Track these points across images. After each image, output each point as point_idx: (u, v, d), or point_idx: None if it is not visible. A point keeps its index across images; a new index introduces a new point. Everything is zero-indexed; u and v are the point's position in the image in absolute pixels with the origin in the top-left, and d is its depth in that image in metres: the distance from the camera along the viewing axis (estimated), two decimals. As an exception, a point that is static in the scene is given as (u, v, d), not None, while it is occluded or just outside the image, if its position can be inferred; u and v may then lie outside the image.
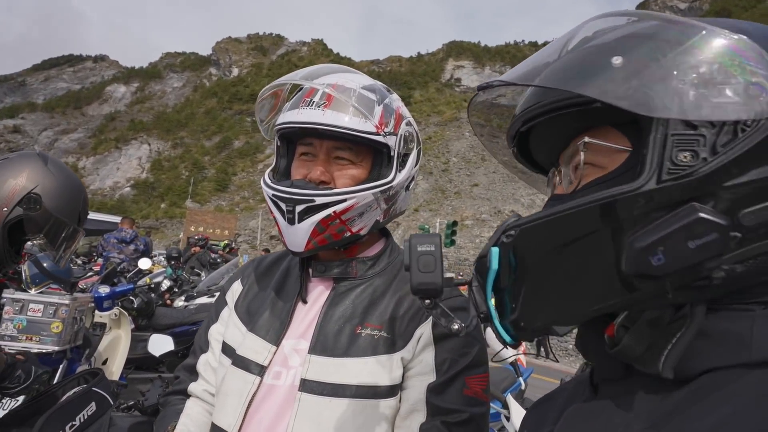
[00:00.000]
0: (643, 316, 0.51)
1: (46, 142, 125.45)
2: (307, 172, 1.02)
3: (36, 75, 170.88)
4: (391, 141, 1.03)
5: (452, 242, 18.62)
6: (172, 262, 9.28)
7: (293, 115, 1.00)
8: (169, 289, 6.25)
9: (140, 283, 5.40)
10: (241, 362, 1.02)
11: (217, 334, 1.15)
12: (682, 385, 0.49)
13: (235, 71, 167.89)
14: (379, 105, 1.02)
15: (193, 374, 1.16)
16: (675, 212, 0.47)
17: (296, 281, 1.10)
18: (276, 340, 1.02)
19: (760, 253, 0.46)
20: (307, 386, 0.95)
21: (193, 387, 1.14)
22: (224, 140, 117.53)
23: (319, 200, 0.96)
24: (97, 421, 1.64)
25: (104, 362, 3.75)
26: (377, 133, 0.99)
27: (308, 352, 0.99)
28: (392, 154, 1.03)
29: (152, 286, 5.66)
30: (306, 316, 1.05)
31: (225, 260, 10.57)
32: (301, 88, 1.07)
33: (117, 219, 17.11)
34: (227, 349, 1.07)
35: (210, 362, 1.13)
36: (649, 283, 0.48)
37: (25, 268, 3.13)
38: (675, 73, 0.48)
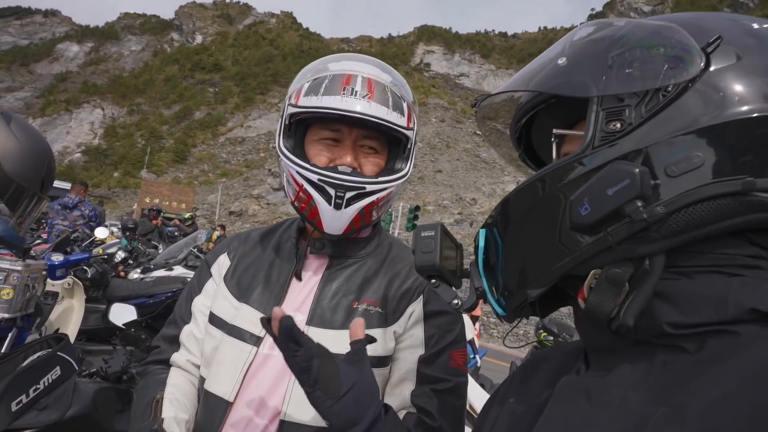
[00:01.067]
0: (603, 274, 0.54)
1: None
2: (333, 157, 1.06)
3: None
4: (413, 134, 1.12)
5: (413, 226, 18.89)
6: (127, 233, 8.99)
7: (334, 101, 1.03)
8: (124, 260, 6.08)
9: (93, 252, 5.22)
10: (237, 332, 1.05)
11: (201, 306, 1.16)
12: (673, 351, 0.51)
13: (199, 38, 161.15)
14: (404, 101, 1.10)
15: (174, 344, 1.16)
16: (604, 168, 0.53)
17: (290, 257, 1.13)
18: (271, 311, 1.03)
19: (691, 201, 0.50)
20: None
21: (176, 357, 1.14)
22: (184, 110, 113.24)
23: (369, 188, 1.03)
24: (62, 385, 1.61)
25: (55, 332, 3.64)
26: (409, 128, 1.08)
27: (306, 324, 1.03)
28: (410, 146, 1.12)
29: (105, 257, 5.49)
30: (301, 291, 1.09)
31: (184, 234, 10.32)
32: (320, 75, 1.10)
33: (67, 185, 16.29)
34: (217, 321, 1.09)
35: (194, 333, 1.14)
36: (590, 236, 0.53)
37: (-27, 232, 2.98)
38: (604, 59, 0.57)
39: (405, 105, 1.09)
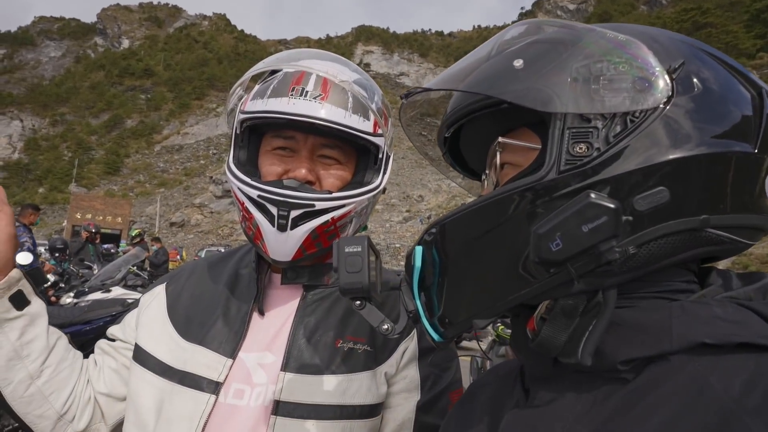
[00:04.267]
0: (556, 306, 0.53)
1: None
2: (287, 169, 0.91)
3: None
4: (381, 141, 0.95)
5: (365, 227, 18.79)
6: (57, 254, 8.29)
7: (280, 104, 0.87)
8: (54, 284, 5.58)
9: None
10: (190, 380, 0.88)
11: (117, 338, 1.03)
12: (613, 382, 0.51)
13: (126, 42, 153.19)
14: (372, 102, 0.94)
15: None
16: (572, 200, 0.50)
17: (249, 286, 0.97)
18: (231, 352, 0.89)
19: (655, 237, 0.50)
20: (283, 409, 0.85)
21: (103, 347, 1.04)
22: (114, 118, 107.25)
23: (319, 205, 0.86)
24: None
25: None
26: (375, 133, 0.92)
27: (281, 369, 0.88)
28: (380, 155, 0.96)
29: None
30: (269, 328, 0.94)
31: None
32: (271, 74, 0.96)
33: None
34: (159, 367, 0.91)
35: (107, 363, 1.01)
36: (553, 269, 0.50)
37: None
38: (567, 70, 0.53)
39: (371, 107, 0.93)
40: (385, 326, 0.64)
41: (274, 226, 0.86)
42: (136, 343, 0.97)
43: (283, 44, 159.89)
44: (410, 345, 0.95)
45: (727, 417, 0.42)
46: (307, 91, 0.88)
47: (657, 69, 0.52)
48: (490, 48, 0.61)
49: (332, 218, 0.88)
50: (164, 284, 1.04)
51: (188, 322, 0.95)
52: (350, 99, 0.90)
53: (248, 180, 0.88)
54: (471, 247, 0.55)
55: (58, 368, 0.92)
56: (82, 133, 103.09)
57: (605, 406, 0.50)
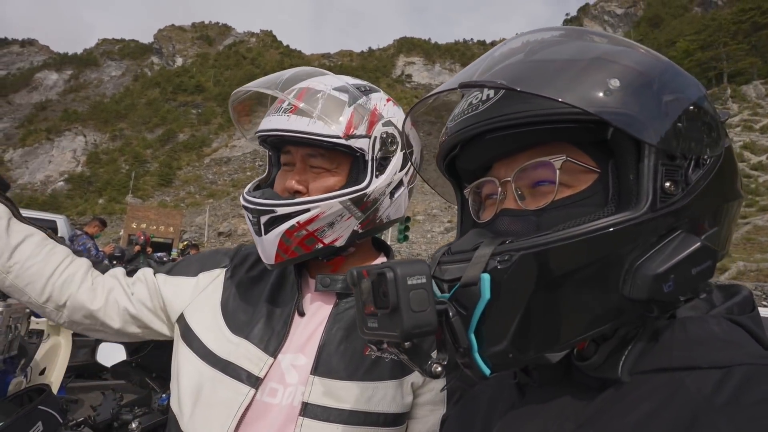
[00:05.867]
0: (617, 333, 0.54)
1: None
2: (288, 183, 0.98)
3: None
4: (364, 144, 0.95)
5: (405, 238, 18.78)
6: (114, 262, 8.78)
7: (264, 123, 0.97)
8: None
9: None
10: (233, 370, 0.93)
11: (156, 285, 1.05)
12: (603, 391, 0.54)
13: (179, 61, 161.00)
14: (350, 106, 0.95)
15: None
16: (677, 240, 0.51)
17: (292, 288, 1.02)
18: (274, 351, 0.94)
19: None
20: (310, 411, 0.89)
21: (116, 272, 1.08)
22: (168, 133, 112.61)
23: (280, 210, 0.91)
24: (46, 441, 1.47)
25: (42, 372, 3.49)
26: (339, 137, 0.92)
27: (311, 373, 0.91)
28: (367, 158, 0.96)
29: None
30: (305, 329, 0.97)
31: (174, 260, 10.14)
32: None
33: (50, 217, 15.96)
34: (208, 356, 0.96)
35: (117, 296, 1.04)
36: (642, 305, 0.51)
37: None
38: (661, 104, 0.53)
39: (347, 110, 0.94)
40: (438, 368, 0.54)
41: (254, 231, 0.95)
42: (185, 322, 1.01)
43: (326, 58, 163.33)
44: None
45: (697, 413, 0.45)
46: (282, 107, 0.95)
47: (718, 115, 0.55)
48: (524, 47, 0.59)
49: (298, 222, 0.90)
50: (224, 270, 1.08)
51: (237, 315, 1.00)
52: (320, 105, 0.92)
53: (244, 193, 0.98)
54: (556, 280, 0.51)
55: (26, 264, 0.98)
56: (139, 147, 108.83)
57: (593, 404, 0.53)
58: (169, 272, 1.09)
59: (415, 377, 0.94)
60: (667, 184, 0.51)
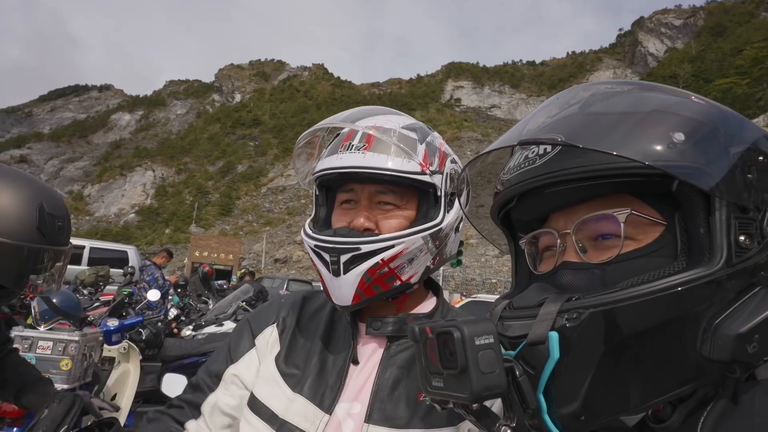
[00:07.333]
0: (696, 394, 0.51)
1: (52, 171, 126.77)
2: (351, 220, 0.95)
3: (42, 105, 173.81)
4: (437, 180, 0.96)
5: (459, 262, 18.37)
6: (179, 290, 9.22)
7: (332, 161, 0.95)
8: (176, 317, 6.19)
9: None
10: (288, 430, 0.90)
11: (233, 377, 1.01)
12: None
13: (238, 97, 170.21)
14: (421, 143, 0.96)
15: (196, 410, 1.03)
16: (758, 297, 0.49)
17: (346, 337, 0.99)
18: (329, 407, 0.91)
19: None
20: None
21: (191, 426, 1.01)
22: (227, 165, 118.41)
23: (365, 248, 0.89)
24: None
25: (113, 397, 3.67)
26: (422, 173, 0.93)
27: (365, 421, 0.89)
28: (439, 194, 0.96)
29: (160, 317, 5.61)
30: (359, 377, 0.95)
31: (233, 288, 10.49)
32: (338, 134, 1.02)
33: (122, 247, 17.10)
34: (264, 412, 0.94)
35: (219, 406, 0.99)
36: (724, 366, 0.48)
37: (35, 304, 3.08)
38: (728, 156, 0.51)
39: (420, 147, 0.95)
40: (507, 430, 0.52)
41: (329, 271, 0.91)
42: (251, 392, 0.98)
43: (375, 87, 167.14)
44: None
45: None
46: (353, 145, 0.94)
47: None
48: (577, 100, 0.58)
49: (382, 260, 0.89)
50: (275, 325, 1.05)
51: (291, 369, 0.97)
52: (394, 143, 0.93)
53: (310, 233, 0.96)
54: (628, 339, 0.49)
55: None
56: (201, 179, 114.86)
57: None
58: (233, 358, 1.04)
59: (471, 424, 0.93)
60: (742, 237, 0.50)
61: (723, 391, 0.50)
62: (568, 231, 0.59)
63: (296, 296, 1.12)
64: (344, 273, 0.89)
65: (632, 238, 0.55)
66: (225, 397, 1.00)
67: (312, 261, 0.96)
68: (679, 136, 0.51)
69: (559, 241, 0.61)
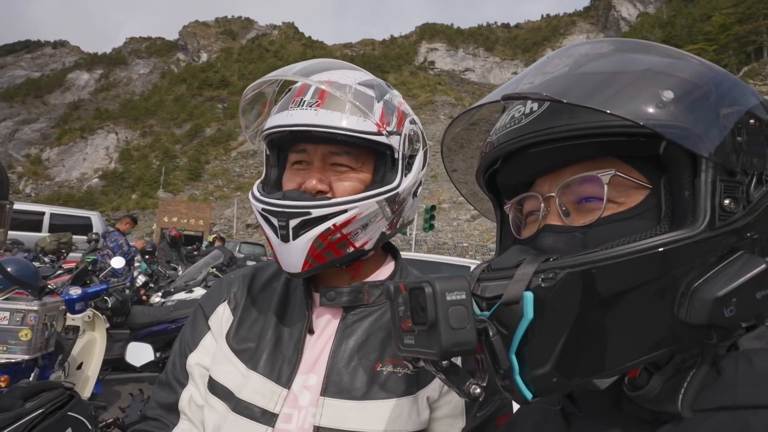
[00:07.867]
0: (672, 361, 0.51)
1: (6, 133, 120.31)
2: (302, 182, 0.89)
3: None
4: (395, 141, 0.90)
5: (431, 227, 18.72)
6: (147, 257, 9.03)
7: (282, 118, 0.89)
8: (145, 284, 6.08)
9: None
10: (245, 409, 0.86)
11: (198, 366, 0.96)
12: (658, 425, 0.50)
13: (204, 56, 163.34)
14: (378, 101, 0.90)
15: (173, 412, 0.97)
16: (739, 261, 0.48)
17: (301, 307, 0.95)
18: (287, 381, 0.88)
19: None
20: None
21: None
22: (195, 128, 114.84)
23: (316, 212, 0.84)
24: (74, 449, 1.50)
25: (79, 366, 3.60)
26: (379, 133, 0.87)
27: (321, 394, 0.86)
28: (396, 156, 0.91)
29: (126, 285, 5.49)
30: (314, 347, 0.92)
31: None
32: (290, 89, 0.96)
33: (85, 213, 16.50)
34: (219, 390, 0.90)
35: (195, 399, 0.95)
36: (700, 330, 0.48)
37: (-12, 273, 2.95)
38: (718, 117, 0.50)
39: (377, 105, 0.89)
40: (476, 389, 0.51)
41: (278, 237, 0.86)
42: (209, 374, 0.94)
43: (348, 47, 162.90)
44: None
45: None
46: (304, 101, 0.87)
47: None
48: (569, 60, 0.57)
49: (334, 225, 0.84)
50: (225, 303, 1.01)
51: (243, 345, 0.94)
52: (349, 101, 0.86)
53: (258, 195, 0.90)
54: (604, 300, 0.48)
55: None
56: (168, 143, 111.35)
57: None
58: (191, 346, 1.00)
59: (431, 391, 0.89)
60: (727, 201, 0.49)
61: (702, 360, 0.50)
62: (553, 194, 0.58)
63: (247, 269, 1.07)
64: (293, 239, 0.84)
65: (616, 201, 0.55)
66: (196, 390, 0.96)
67: (261, 226, 0.91)
68: (668, 95, 0.50)
69: (543, 204, 0.60)
